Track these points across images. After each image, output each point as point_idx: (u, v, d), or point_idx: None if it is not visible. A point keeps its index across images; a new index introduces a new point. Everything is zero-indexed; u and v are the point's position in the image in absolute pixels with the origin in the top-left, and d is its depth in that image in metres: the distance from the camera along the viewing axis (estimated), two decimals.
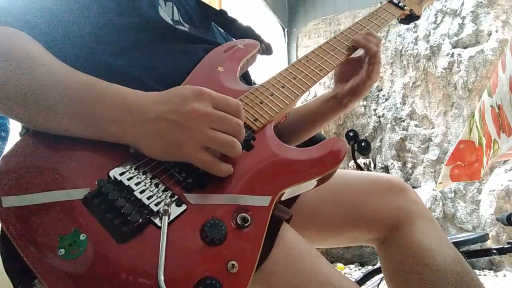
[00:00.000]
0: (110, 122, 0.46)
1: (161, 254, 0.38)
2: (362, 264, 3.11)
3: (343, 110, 0.77)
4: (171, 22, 0.68)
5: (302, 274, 0.48)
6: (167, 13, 0.70)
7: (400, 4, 0.85)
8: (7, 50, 0.48)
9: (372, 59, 0.71)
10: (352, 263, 3.15)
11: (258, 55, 0.75)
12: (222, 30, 0.85)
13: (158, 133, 0.45)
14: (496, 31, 2.99)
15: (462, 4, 3.16)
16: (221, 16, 0.83)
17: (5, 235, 0.39)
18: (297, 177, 0.52)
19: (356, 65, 0.75)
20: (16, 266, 0.40)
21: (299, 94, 0.63)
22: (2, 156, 0.44)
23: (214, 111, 0.47)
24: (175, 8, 0.72)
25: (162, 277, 0.37)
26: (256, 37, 0.77)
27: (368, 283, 1.56)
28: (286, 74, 0.65)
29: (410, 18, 0.87)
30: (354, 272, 2.93)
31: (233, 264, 0.40)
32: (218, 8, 0.83)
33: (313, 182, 0.55)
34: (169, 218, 0.41)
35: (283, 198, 0.53)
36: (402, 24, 0.92)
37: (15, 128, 1.57)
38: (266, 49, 0.77)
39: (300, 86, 0.63)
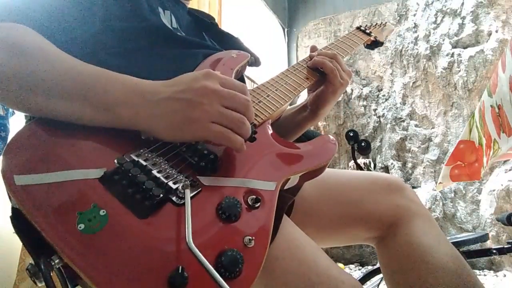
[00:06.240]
0: (122, 105, 0.47)
1: (188, 218, 0.39)
2: (362, 264, 3.11)
3: (314, 119, 0.80)
4: (171, 29, 0.71)
5: (303, 263, 0.50)
6: (167, 20, 0.72)
7: (367, 31, 0.97)
8: (15, 41, 0.49)
9: (325, 69, 0.75)
10: (352, 263, 3.15)
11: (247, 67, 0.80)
12: (214, 41, 0.86)
13: (171, 112, 0.46)
14: (496, 31, 2.99)
15: (462, 4, 3.16)
16: (212, 28, 0.86)
17: (19, 213, 0.39)
18: (296, 168, 0.56)
19: (325, 75, 0.77)
20: (33, 242, 0.39)
21: (291, 97, 0.69)
22: (12, 137, 0.45)
23: (223, 88, 0.49)
24: (173, 17, 0.75)
25: (191, 238, 0.38)
26: (246, 49, 0.80)
27: (368, 283, 1.56)
28: (278, 79, 0.73)
29: (375, 44, 0.99)
30: (354, 272, 2.93)
31: (250, 239, 0.42)
32: (216, 12, 0.86)
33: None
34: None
35: (286, 187, 0.56)
36: (368, 50, 1.04)
37: (14, 128, 1.57)
38: (255, 61, 0.80)
39: (291, 91, 0.71)
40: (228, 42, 0.84)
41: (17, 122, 1.54)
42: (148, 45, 0.64)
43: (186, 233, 0.38)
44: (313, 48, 0.83)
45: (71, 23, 0.57)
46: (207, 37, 0.85)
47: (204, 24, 0.85)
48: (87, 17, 0.59)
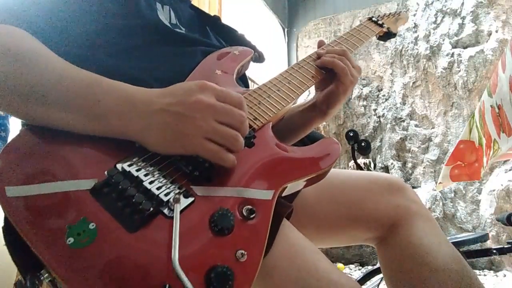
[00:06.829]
0: (114, 115, 0.46)
1: (175, 237, 0.38)
2: (362, 264, 3.11)
3: (323, 118, 0.77)
4: (169, 25, 0.69)
5: (303, 269, 0.49)
6: (165, 16, 0.71)
7: (379, 22, 0.91)
8: (9, 46, 0.48)
9: (336, 69, 0.71)
10: (352, 263, 3.15)
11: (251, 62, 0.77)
12: (217, 36, 0.85)
13: (163, 125, 0.45)
14: (496, 31, 2.99)
15: (462, 4, 3.16)
16: (215, 23, 0.84)
17: (10, 225, 0.39)
18: (296, 174, 0.54)
19: (333, 73, 0.73)
20: (22, 255, 0.39)
21: (294, 97, 0.66)
22: (5, 145, 0.44)
23: (218, 103, 0.47)
24: (172, 12, 0.73)
25: (177, 258, 0.37)
26: (249, 45, 0.79)
27: (368, 283, 1.56)
28: (281, 79, 0.69)
29: (387, 35, 0.93)
30: (354, 272, 2.93)
31: (242, 253, 0.41)
32: (216, 12, 0.84)
33: (305, 181, 0.57)
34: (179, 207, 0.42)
35: (283, 194, 0.54)
36: (380, 41, 0.97)
37: (14, 128, 1.57)
38: (259, 57, 0.79)
39: (295, 90, 0.67)
40: (232, 37, 0.82)
41: (17, 122, 1.54)
42: (144, 43, 0.63)
43: (172, 252, 0.37)
44: (321, 43, 0.79)
45: (67, 24, 0.56)
46: (210, 31, 0.84)
47: (207, 19, 0.83)
48: (83, 16, 0.58)
